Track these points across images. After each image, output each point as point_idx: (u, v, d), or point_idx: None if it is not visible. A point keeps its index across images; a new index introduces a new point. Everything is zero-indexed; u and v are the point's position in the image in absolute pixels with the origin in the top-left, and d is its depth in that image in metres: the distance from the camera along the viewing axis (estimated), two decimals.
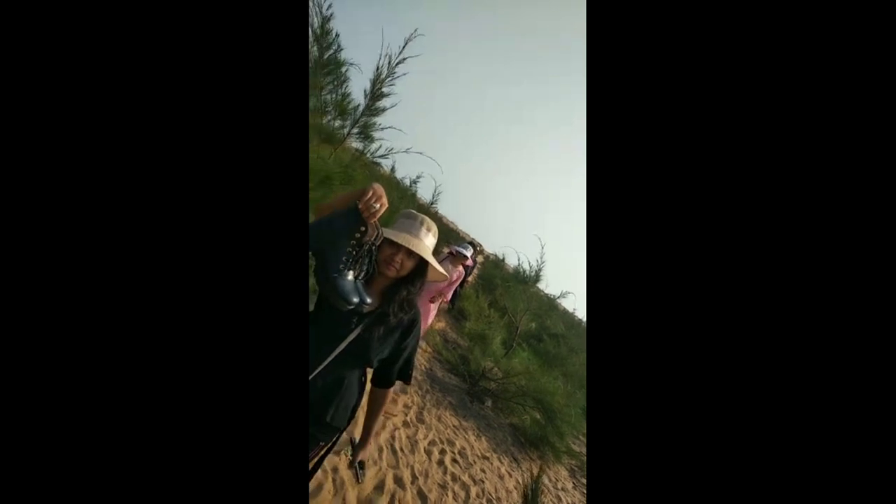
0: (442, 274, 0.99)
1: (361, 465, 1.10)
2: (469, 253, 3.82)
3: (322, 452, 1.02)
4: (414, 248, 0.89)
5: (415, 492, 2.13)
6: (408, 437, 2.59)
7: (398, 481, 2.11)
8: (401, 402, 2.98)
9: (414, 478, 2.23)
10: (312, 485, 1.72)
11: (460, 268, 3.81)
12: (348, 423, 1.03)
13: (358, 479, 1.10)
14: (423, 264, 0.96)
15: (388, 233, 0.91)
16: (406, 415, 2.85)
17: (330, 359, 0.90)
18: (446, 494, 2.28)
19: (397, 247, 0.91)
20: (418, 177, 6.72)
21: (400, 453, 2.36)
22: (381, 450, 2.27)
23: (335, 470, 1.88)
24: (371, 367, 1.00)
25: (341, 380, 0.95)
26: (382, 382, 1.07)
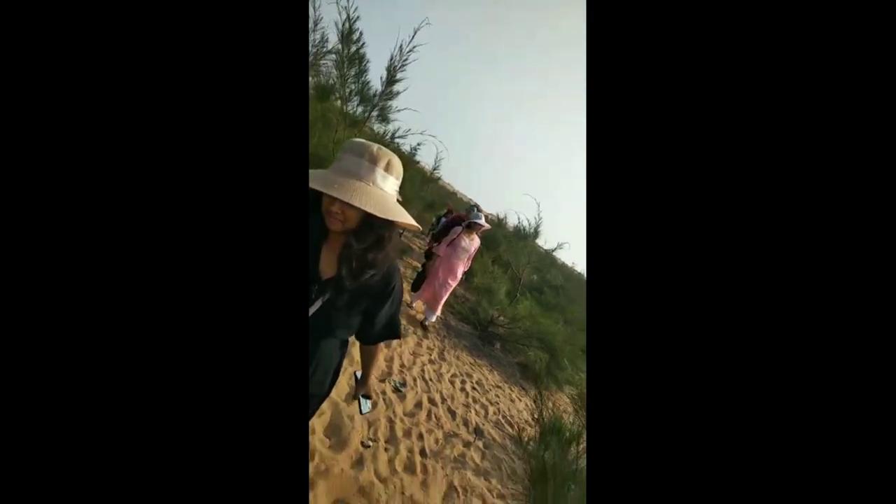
0: (412, 225, 0.78)
1: (366, 396, 1.15)
2: (482, 220, 3.69)
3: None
4: (345, 198, 0.67)
5: (445, 409, 2.65)
6: (434, 370, 3.11)
7: (431, 401, 2.63)
8: (425, 345, 3.48)
9: (443, 399, 2.75)
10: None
11: (476, 239, 3.81)
12: (330, 388, 0.97)
13: (362, 410, 1.14)
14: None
15: (320, 177, 0.70)
16: (430, 355, 3.36)
17: None
18: (470, 411, 2.82)
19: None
20: (419, 144, 6.91)
21: (430, 382, 2.88)
22: (415, 380, 2.78)
23: (383, 392, 2.38)
24: (340, 335, 0.88)
25: (313, 352, 0.85)
26: (365, 340, 0.97)
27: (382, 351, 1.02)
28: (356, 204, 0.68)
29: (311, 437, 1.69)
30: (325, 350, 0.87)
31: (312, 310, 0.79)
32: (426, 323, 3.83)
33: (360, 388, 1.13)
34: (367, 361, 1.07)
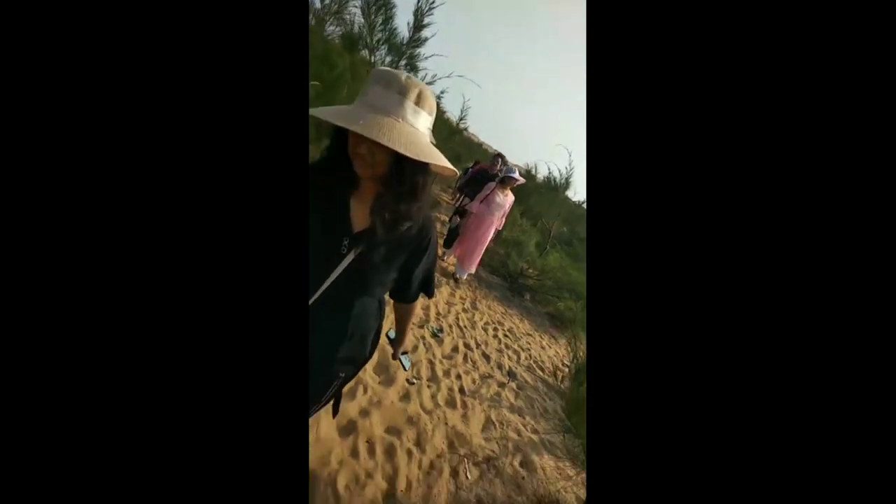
0: (449, 169, 0.69)
1: (405, 354, 1.13)
2: (516, 174, 3.57)
3: (341, 382, 0.92)
4: (371, 135, 0.59)
5: (480, 353, 2.81)
6: (468, 318, 3.26)
7: (467, 346, 2.79)
8: (458, 295, 3.62)
9: (477, 345, 2.91)
10: (409, 346, 2.38)
11: (510, 194, 3.67)
12: (371, 352, 0.91)
13: (405, 367, 1.14)
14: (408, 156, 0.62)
15: (344, 113, 0.62)
16: (463, 304, 3.50)
17: (322, 289, 0.74)
18: (503, 356, 2.98)
19: (361, 135, 0.60)
20: (442, 91, 6.64)
21: (465, 329, 3.03)
22: (450, 326, 2.93)
23: (423, 337, 2.54)
24: (375, 293, 0.82)
25: (348, 311, 0.79)
26: (402, 299, 0.92)
27: (417, 307, 1.03)
28: (385, 142, 0.59)
29: (362, 374, 1.87)
30: (362, 309, 0.81)
31: (344, 265, 0.73)
32: (457, 277, 3.91)
33: (398, 348, 1.09)
34: (403, 320, 1.02)
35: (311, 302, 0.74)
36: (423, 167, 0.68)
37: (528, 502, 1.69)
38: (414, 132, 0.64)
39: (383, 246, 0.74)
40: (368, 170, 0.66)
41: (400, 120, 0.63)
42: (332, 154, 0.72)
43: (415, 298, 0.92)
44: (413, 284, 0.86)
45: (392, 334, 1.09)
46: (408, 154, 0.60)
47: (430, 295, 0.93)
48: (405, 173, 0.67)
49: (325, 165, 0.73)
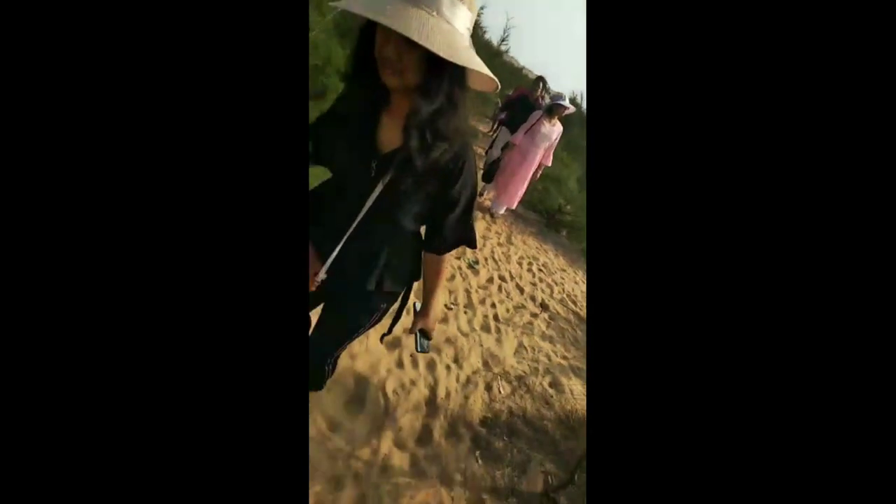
0: (490, 81, 0.60)
1: (423, 333, 0.89)
2: (565, 101, 3.26)
3: (395, 314, 0.89)
4: (399, 28, 0.49)
5: (514, 285, 2.89)
6: (503, 252, 3.31)
7: (501, 278, 2.87)
8: (493, 229, 3.64)
9: (511, 277, 2.98)
10: (448, 275, 2.48)
11: (558, 124, 3.34)
12: (411, 283, 0.85)
13: (417, 348, 0.90)
14: (446, 61, 0.53)
15: (366, 3, 0.52)
16: (498, 238, 3.53)
17: (358, 220, 0.69)
18: (536, 289, 3.05)
19: (388, 32, 0.52)
20: (482, 7, 6.05)
21: (499, 262, 3.09)
22: (486, 259, 3.00)
23: (460, 268, 2.64)
24: (406, 225, 0.74)
25: (380, 241, 0.74)
26: (431, 246, 0.80)
27: (447, 264, 0.84)
28: (415, 38, 0.49)
29: None
30: (397, 240, 0.76)
31: (375, 194, 0.66)
32: (493, 212, 3.82)
33: (420, 321, 0.87)
34: (431, 279, 0.84)
35: (347, 232, 0.71)
36: (460, 75, 0.58)
37: (556, 416, 1.85)
38: (451, 30, 0.53)
39: (415, 171, 0.64)
40: (396, 78, 0.57)
41: (434, 13, 0.52)
42: (358, 62, 0.61)
43: (448, 248, 0.80)
44: (446, 226, 0.75)
45: (419, 305, 0.90)
46: (442, 55, 0.51)
47: (472, 245, 0.81)
48: (441, 82, 0.57)
49: (352, 77, 0.64)
